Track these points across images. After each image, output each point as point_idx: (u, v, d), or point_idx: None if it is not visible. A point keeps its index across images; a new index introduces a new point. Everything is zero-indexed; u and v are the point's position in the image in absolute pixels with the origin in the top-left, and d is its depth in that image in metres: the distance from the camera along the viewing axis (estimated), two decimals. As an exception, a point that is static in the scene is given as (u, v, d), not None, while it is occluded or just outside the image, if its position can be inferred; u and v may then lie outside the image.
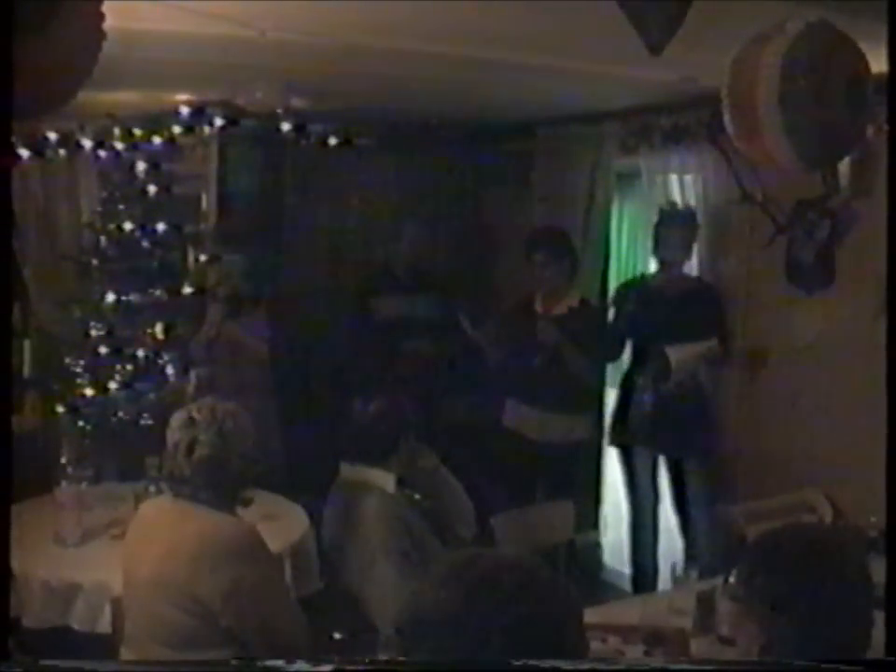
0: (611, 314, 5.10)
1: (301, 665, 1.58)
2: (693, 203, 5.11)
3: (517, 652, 1.42)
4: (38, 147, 4.66)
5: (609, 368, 6.09)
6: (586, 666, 1.46)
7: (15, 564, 2.33)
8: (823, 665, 1.75)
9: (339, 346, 6.14)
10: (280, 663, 1.58)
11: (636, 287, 5.24)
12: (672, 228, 4.95)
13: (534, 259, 5.22)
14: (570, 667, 1.43)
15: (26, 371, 4.97)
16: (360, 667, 1.67)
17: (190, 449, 2.97)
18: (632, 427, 5.13)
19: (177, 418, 3.04)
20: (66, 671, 1.71)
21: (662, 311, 4.97)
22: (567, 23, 3.12)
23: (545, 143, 6.09)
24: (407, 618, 1.54)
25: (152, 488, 3.99)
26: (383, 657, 3.10)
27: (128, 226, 4.89)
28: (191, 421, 3.00)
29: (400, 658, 1.51)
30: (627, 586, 5.39)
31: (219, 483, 2.99)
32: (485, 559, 1.58)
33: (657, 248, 5.05)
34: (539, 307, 5.30)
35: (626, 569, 5.47)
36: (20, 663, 1.89)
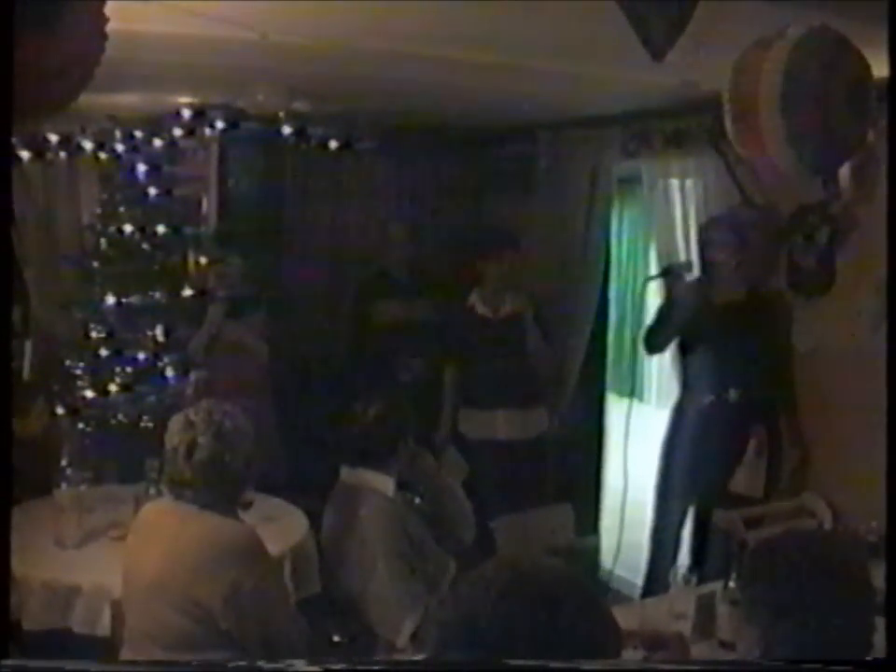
0: (663, 306, 4.91)
1: (299, 664, 1.58)
2: (693, 207, 5.10)
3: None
4: (39, 149, 4.67)
5: (609, 377, 6.12)
6: (584, 667, 1.46)
7: (15, 566, 2.32)
8: (822, 666, 1.75)
9: (338, 349, 6.14)
10: (279, 664, 1.58)
11: (688, 287, 4.87)
12: (718, 232, 4.72)
13: (505, 255, 5.25)
14: (569, 667, 1.43)
15: (26, 373, 4.96)
16: (356, 667, 1.66)
17: (190, 452, 2.97)
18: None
19: (176, 421, 3.05)
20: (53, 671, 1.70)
21: (708, 319, 4.73)
22: (567, 27, 3.12)
23: (545, 147, 6.08)
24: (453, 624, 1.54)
25: (152, 490, 3.98)
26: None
27: (128, 228, 4.89)
28: (190, 424, 3.00)
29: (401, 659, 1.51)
30: (626, 590, 5.38)
31: (220, 485, 2.99)
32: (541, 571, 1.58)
33: (704, 252, 4.81)
34: (482, 309, 5.34)
35: (625, 573, 5.47)
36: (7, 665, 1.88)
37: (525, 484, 5.30)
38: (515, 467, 5.31)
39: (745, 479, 4.60)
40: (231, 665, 1.73)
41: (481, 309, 5.38)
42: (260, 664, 1.59)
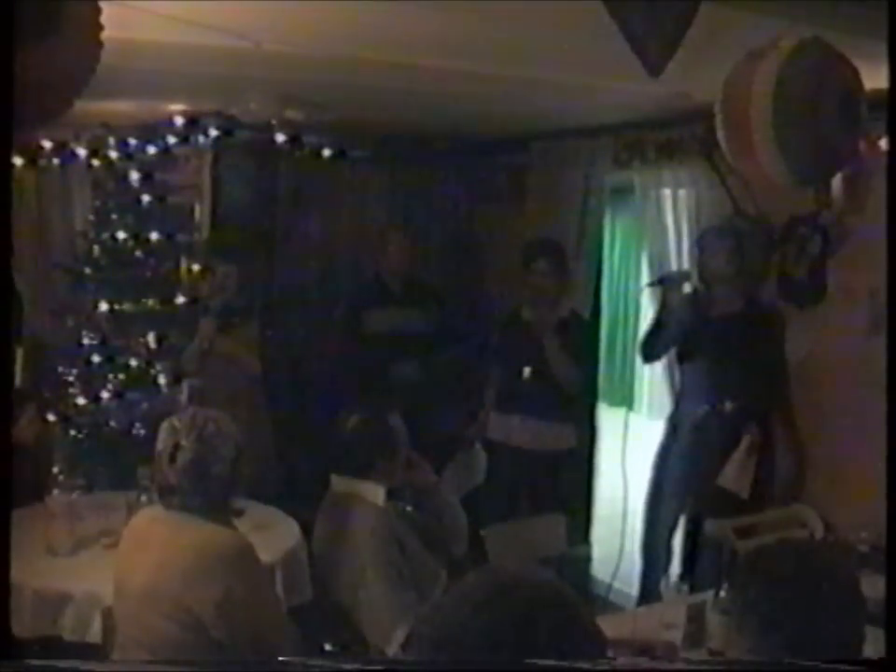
0: (659, 315, 4.87)
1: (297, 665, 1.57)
2: (685, 217, 5.10)
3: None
4: (33, 156, 4.67)
5: (601, 386, 6.11)
6: (585, 667, 1.46)
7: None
8: (822, 666, 1.76)
9: (330, 357, 6.14)
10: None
11: (685, 298, 4.84)
12: (716, 242, 4.70)
13: (535, 267, 5.25)
14: (569, 667, 1.43)
15: (17, 379, 4.96)
16: (356, 666, 1.66)
17: (173, 457, 2.97)
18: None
19: (162, 428, 3.05)
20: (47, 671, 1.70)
21: (704, 330, 4.72)
22: (561, 37, 3.13)
23: (538, 156, 6.09)
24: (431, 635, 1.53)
25: (144, 497, 3.97)
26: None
27: (121, 235, 4.90)
28: (174, 429, 3.01)
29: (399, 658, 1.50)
30: (617, 600, 5.37)
31: (205, 490, 2.98)
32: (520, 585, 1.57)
33: (699, 262, 4.78)
34: (529, 317, 5.33)
35: (616, 583, 5.46)
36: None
37: (539, 494, 5.33)
38: (535, 475, 5.34)
39: (733, 475, 4.59)
40: (238, 665, 1.73)
41: (527, 315, 5.38)
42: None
